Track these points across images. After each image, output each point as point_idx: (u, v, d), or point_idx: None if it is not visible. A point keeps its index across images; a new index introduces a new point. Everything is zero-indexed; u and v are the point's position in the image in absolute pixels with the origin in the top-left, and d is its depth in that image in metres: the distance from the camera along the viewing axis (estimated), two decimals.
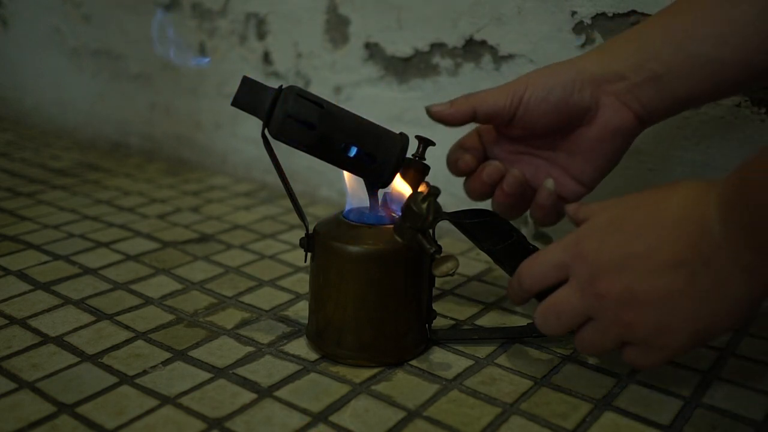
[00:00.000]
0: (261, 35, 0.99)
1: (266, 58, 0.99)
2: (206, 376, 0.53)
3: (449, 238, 0.80)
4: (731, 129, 0.66)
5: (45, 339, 0.57)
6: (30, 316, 0.61)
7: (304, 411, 0.49)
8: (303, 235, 0.56)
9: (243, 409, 0.49)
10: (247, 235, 0.82)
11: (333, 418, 0.49)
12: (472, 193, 0.61)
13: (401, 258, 0.54)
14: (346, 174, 0.57)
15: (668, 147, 0.70)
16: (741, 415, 0.50)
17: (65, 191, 0.95)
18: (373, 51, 0.88)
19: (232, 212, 0.90)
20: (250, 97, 0.53)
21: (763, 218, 0.40)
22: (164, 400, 0.50)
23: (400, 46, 0.86)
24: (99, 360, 0.55)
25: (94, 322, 0.60)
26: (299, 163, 0.71)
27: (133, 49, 1.16)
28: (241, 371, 0.54)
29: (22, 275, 0.69)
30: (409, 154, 0.56)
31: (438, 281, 0.60)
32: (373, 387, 0.52)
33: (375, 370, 0.54)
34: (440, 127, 0.59)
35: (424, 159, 0.58)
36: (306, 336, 0.58)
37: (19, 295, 0.65)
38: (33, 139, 1.25)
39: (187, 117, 1.11)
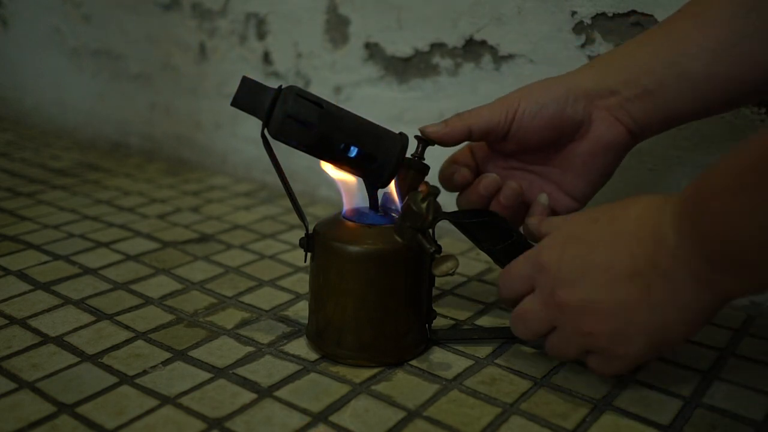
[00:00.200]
0: (261, 35, 0.99)
1: (266, 58, 0.99)
2: (206, 376, 0.53)
3: (449, 238, 0.80)
4: (731, 129, 0.66)
5: (45, 339, 0.57)
6: (30, 316, 0.61)
7: (304, 411, 0.49)
8: (303, 235, 0.56)
9: (243, 409, 0.49)
10: (247, 235, 0.82)
11: (333, 418, 0.49)
12: (467, 207, 0.61)
13: (401, 258, 0.54)
14: (337, 177, 0.57)
15: (668, 147, 0.70)
16: (741, 415, 0.50)
17: (65, 191, 0.95)
18: (373, 51, 0.88)
19: (232, 212, 0.90)
20: (249, 97, 0.53)
21: (713, 228, 0.41)
22: (164, 400, 0.50)
23: (400, 46, 0.86)
24: (99, 360, 0.55)
25: (94, 322, 0.60)
26: (299, 163, 0.71)
27: (133, 49, 1.16)
28: (241, 371, 0.54)
29: (22, 275, 0.69)
30: (408, 154, 0.56)
31: (438, 281, 0.60)
32: (373, 387, 0.52)
33: (375, 370, 0.54)
34: None
35: (424, 159, 0.58)
36: (306, 336, 0.58)
37: (19, 295, 0.65)
38: (33, 139, 1.25)
39: (187, 117, 1.11)
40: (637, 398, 0.52)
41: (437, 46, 0.83)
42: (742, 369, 0.56)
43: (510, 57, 0.77)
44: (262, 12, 0.99)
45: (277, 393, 0.51)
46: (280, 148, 0.54)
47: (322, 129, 0.52)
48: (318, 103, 0.53)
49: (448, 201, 0.63)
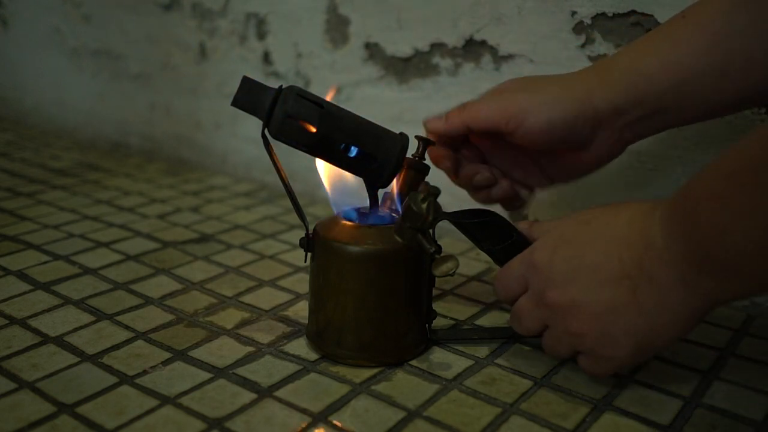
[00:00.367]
0: (261, 35, 0.99)
1: (266, 58, 0.99)
2: (206, 376, 0.53)
3: (449, 238, 0.80)
4: (731, 129, 0.66)
5: (45, 339, 0.57)
6: (30, 316, 0.61)
7: (304, 411, 0.49)
8: (303, 235, 0.56)
9: (243, 409, 0.49)
10: (247, 235, 0.82)
11: (333, 418, 0.49)
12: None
13: (401, 258, 0.54)
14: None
15: (668, 147, 0.70)
16: (741, 415, 0.50)
17: (65, 191, 0.95)
18: (373, 51, 0.88)
19: (232, 212, 0.90)
20: (250, 97, 0.53)
21: (699, 232, 0.41)
22: (164, 400, 0.50)
23: (400, 46, 0.86)
24: (99, 360, 0.55)
25: (94, 322, 0.60)
26: (299, 163, 0.71)
27: (133, 49, 1.16)
28: (241, 371, 0.54)
29: (22, 275, 0.69)
30: (408, 154, 0.56)
31: (438, 281, 0.60)
32: (373, 387, 0.52)
33: (375, 370, 0.54)
34: None
35: (424, 159, 0.58)
36: (306, 336, 0.58)
37: (19, 295, 0.65)
38: (33, 139, 1.25)
39: (187, 117, 1.11)
40: (637, 398, 0.52)
41: (437, 46, 0.83)
42: (742, 369, 0.56)
43: (510, 57, 0.77)
44: (262, 12, 0.99)
45: (277, 393, 0.51)
46: (280, 148, 0.54)
47: (322, 129, 0.52)
48: (318, 103, 0.53)
49: (448, 201, 0.63)
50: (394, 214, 0.57)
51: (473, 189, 0.62)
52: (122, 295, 0.66)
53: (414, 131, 0.60)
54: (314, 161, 0.57)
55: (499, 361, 0.56)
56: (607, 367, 0.49)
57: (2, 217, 0.85)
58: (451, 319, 0.64)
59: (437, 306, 0.64)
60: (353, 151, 0.54)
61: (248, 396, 0.51)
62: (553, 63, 0.74)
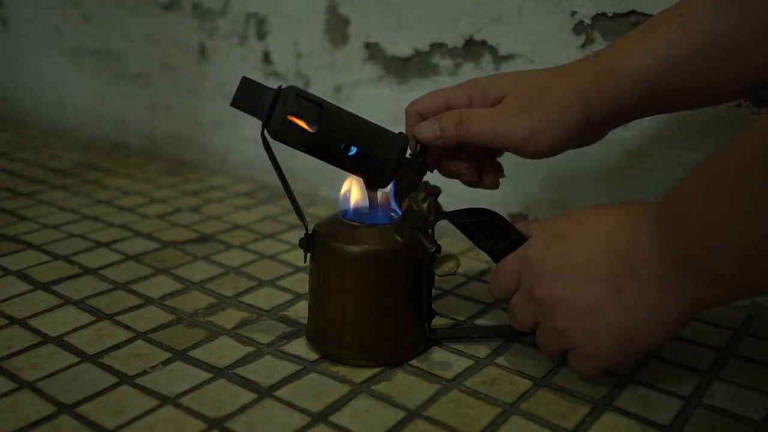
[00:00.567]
0: (261, 35, 0.99)
1: (266, 58, 0.99)
2: (206, 376, 0.53)
3: (449, 237, 0.80)
4: (731, 129, 0.66)
5: (45, 339, 0.57)
6: (30, 316, 0.61)
7: (304, 411, 0.49)
8: (303, 236, 0.56)
9: (243, 409, 0.49)
10: (247, 235, 0.82)
11: (333, 418, 0.49)
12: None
13: (401, 258, 0.54)
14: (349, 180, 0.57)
15: (668, 147, 0.70)
16: (741, 415, 0.50)
17: (65, 191, 0.95)
18: (373, 51, 0.88)
19: (232, 212, 0.90)
20: (249, 97, 0.52)
21: (683, 234, 0.42)
22: (164, 400, 0.50)
23: (400, 46, 0.86)
24: (99, 360, 0.55)
25: (94, 322, 0.60)
26: (299, 163, 0.71)
27: (133, 49, 1.16)
28: (241, 371, 0.54)
29: (22, 275, 0.69)
30: (408, 154, 0.56)
31: (438, 281, 0.60)
32: (373, 387, 0.52)
33: (375, 370, 0.54)
34: None
35: (426, 152, 0.57)
36: (306, 336, 0.58)
37: (19, 295, 0.65)
38: (33, 139, 1.25)
39: (187, 117, 1.11)
40: (637, 398, 0.52)
41: (437, 46, 0.83)
42: (742, 369, 0.56)
43: (510, 57, 0.77)
44: (262, 12, 0.99)
45: (277, 393, 0.51)
46: (279, 148, 0.54)
47: (322, 129, 0.52)
48: (318, 103, 0.53)
49: (448, 201, 0.63)
50: (393, 214, 0.57)
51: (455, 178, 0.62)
52: (122, 295, 0.66)
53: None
54: (315, 161, 0.57)
55: (499, 361, 0.56)
56: (591, 366, 0.50)
57: (2, 217, 0.85)
58: (451, 318, 0.64)
59: (437, 306, 0.64)
60: (353, 151, 0.54)
61: (248, 396, 0.51)
62: (553, 63, 0.73)
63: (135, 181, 1.02)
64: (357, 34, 0.89)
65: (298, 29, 0.95)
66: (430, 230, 0.53)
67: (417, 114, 0.58)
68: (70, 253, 0.74)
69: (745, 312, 0.66)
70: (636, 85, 0.53)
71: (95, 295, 0.65)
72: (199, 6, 1.05)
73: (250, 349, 0.57)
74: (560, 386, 0.53)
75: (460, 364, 0.56)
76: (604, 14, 0.70)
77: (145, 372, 0.53)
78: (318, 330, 0.56)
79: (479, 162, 0.60)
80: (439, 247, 0.51)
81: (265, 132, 0.53)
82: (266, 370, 0.54)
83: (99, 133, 1.25)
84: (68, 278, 0.69)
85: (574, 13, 0.72)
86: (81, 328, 0.59)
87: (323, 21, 0.92)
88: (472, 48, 0.80)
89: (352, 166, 0.55)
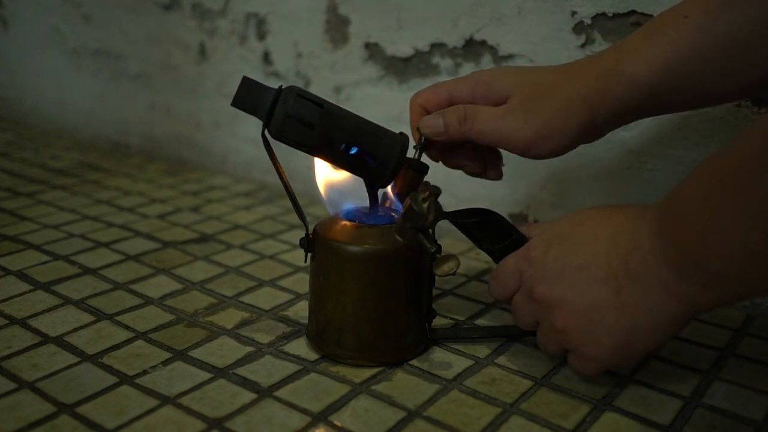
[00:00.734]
0: (261, 35, 0.99)
1: (266, 58, 0.99)
2: (206, 376, 0.53)
3: (449, 238, 0.80)
4: (731, 129, 0.66)
5: (45, 339, 0.57)
6: (30, 316, 0.61)
7: (304, 411, 0.49)
8: (303, 235, 0.56)
9: (243, 409, 0.49)
10: (247, 235, 0.82)
11: (333, 418, 0.49)
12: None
13: (401, 258, 0.54)
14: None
15: (668, 147, 0.70)
16: (741, 415, 0.50)
17: (65, 191, 0.95)
18: (373, 51, 0.88)
19: (232, 212, 0.90)
20: (250, 97, 0.52)
21: (681, 235, 0.42)
22: (164, 400, 0.50)
23: (400, 46, 0.86)
24: (99, 360, 0.55)
25: (94, 322, 0.60)
26: (299, 163, 0.71)
27: (133, 49, 1.16)
28: (241, 371, 0.54)
29: (22, 275, 0.69)
30: (408, 154, 0.56)
31: (438, 281, 0.60)
32: (373, 387, 0.52)
33: (375, 370, 0.54)
34: None
35: (428, 145, 0.57)
36: (306, 336, 0.58)
37: (19, 295, 0.65)
38: (33, 139, 1.25)
39: (187, 117, 1.11)
40: (637, 398, 0.52)
41: (437, 46, 0.83)
42: (742, 369, 0.56)
43: (510, 57, 0.77)
44: (262, 12, 0.99)
45: (277, 393, 0.51)
46: (280, 148, 0.54)
47: (322, 129, 0.52)
48: (318, 103, 0.53)
49: (448, 201, 0.63)
50: (393, 214, 0.57)
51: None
52: (122, 295, 0.66)
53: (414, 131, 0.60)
54: (314, 162, 0.57)
55: (499, 361, 0.56)
56: (590, 367, 0.50)
57: (2, 217, 0.85)
58: (451, 318, 0.64)
59: (437, 306, 0.64)
60: (353, 151, 0.54)
61: (248, 396, 0.51)
62: (553, 63, 0.73)
63: (135, 181, 1.02)
64: (357, 34, 0.89)
65: (298, 29, 0.95)
66: (430, 230, 0.53)
67: (420, 106, 0.58)
68: (70, 253, 0.74)
69: (745, 312, 0.66)
70: (640, 88, 0.53)
71: (95, 295, 0.65)
72: (199, 6, 1.05)
73: (250, 349, 0.57)
74: (560, 386, 0.53)
75: (460, 364, 0.56)
76: (604, 14, 0.70)
77: (145, 372, 0.53)
78: (318, 330, 0.56)
79: (482, 154, 0.60)
80: (439, 247, 0.51)
81: (266, 132, 0.53)
82: (266, 370, 0.54)
83: (99, 133, 1.25)
84: (68, 278, 0.69)
85: (574, 13, 0.72)
86: (81, 328, 0.59)
87: (323, 21, 0.92)
88: (472, 48, 0.80)
89: (353, 166, 0.55)
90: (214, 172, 1.08)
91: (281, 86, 0.53)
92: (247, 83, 0.53)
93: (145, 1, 1.11)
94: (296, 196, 0.56)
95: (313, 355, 0.56)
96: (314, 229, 0.56)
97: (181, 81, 1.10)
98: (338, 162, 0.55)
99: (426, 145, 0.58)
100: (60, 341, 0.57)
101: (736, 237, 0.38)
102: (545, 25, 0.74)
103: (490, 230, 0.55)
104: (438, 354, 0.57)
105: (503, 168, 0.62)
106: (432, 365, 0.55)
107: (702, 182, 0.41)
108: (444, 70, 0.83)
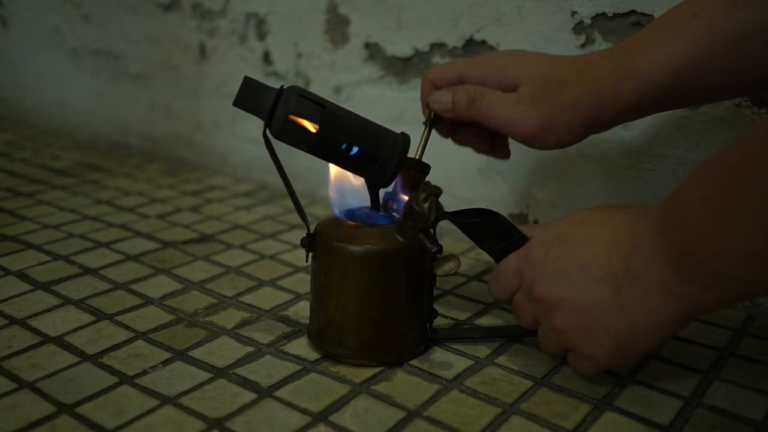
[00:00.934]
0: (261, 35, 0.99)
1: (266, 58, 0.99)
2: (206, 376, 0.53)
3: (450, 237, 0.80)
4: (731, 129, 0.66)
5: (45, 339, 0.57)
6: (30, 316, 0.61)
7: (304, 411, 0.49)
8: (304, 235, 0.56)
9: (243, 409, 0.49)
10: (247, 235, 0.82)
11: (333, 418, 0.49)
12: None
13: (402, 258, 0.54)
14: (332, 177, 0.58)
15: (668, 147, 0.70)
16: (741, 415, 0.50)
17: (65, 191, 0.95)
18: (373, 51, 0.88)
19: (232, 212, 0.90)
20: (251, 97, 0.52)
21: (682, 236, 0.42)
22: (164, 400, 0.50)
23: (400, 46, 0.86)
24: (99, 360, 0.55)
25: (94, 322, 0.60)
26: (299, 162, 0.71)
27: (133, 49, 1.16)
28: (241, 371, 0.54)
29: (22, 275, 0.69)
30: (414, 144, 0.56)
31: (438, 281, 0.60)
32: (373, 387, 0.52)
33: (375, 370, 0.54)
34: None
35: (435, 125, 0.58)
36: (307, 335, 0.59)
37: (19, 295, 0.65)
38: (33, 139, 1.25)
39: (187, 117, 1.11)
40: (637, 398, 0.52)
41: (437, 46, 0.83)
42: (742, 369, 0.56)
43: None
44: (262, 12, 0.99)
45: (277, 393, 0.51)
46: (281, 148, 0.54)
47: (323, 129, 0.52)
48: (320, 102, 0.53)
49: (448, 201, 0.63)
50: (395, 214, 0.57)
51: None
52: (122, 295, 0.66)
53: (414, 131, 0.60)
54: (316, 161, 0.57)
55: (499, 361, 0.56)
56: (590, 366, 0.50)
57: (2, 217, 0.85)
58: (452, 318, 0.64)
59: (438, 306, 0.64)
60: (354, 151, 0.54)
61: (248, 396, 0.51)
62: None
63: (135, 181, 1.02)
64: (357, 34, 0.89)
65: (298, 29, 0.95)
66: (431, 230, 0.53)
67: (431, 83, 0.59)
68: (70, 253, 0.74)
69: (745, 312, 0.66)
70: (650, 88, 0.53)
71: (95, 295, 0.65)
72: (199, 6, 1.05)
73: (250, 349, 0.57)
74: (560, 386, 0.53)
75: (461, 364, 0.56)
76: (604, 14, 0.71)
77: (145, 372, 0.53)
78: (319, 329, 0.56)
79: (491, 134, 0.61)
80: (440, 247, 0.51)
81: (267, 132, 0.53)
82: (266, 370, 0.54)
83: (99, 133, 1.25)
84: (68, 278, 0.68)
85: (574, 13, 0.72)
86: (81, 328, 0.59)
87: (323, 21, 0.92)
88: (472, 48, 0.80)
89: (354, 166, 0.55)
90: (214, 172, 1.08)
91: (282, 86, 0.53)
92: (248, 83, 0.53)
93: (145, 1, 1.11)
94: (297, 195, 0.56)
95: (313, 355, 0.56)
96: (315, 229, 0.56)
97: (181, 81, 1.10)
98: (339, 162, 0.55)
99: (435, 120, 0.58)
100: (60, 341, 0.57)
101: (737, 237, 0.38)
102: (545, 25, 0.74)
103: (490, 230, 0.55)
104: (438, 354, 0.57)
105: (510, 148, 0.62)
106: (432, 365, 0.55)
107: (702, 183, 0.41)
108: None
